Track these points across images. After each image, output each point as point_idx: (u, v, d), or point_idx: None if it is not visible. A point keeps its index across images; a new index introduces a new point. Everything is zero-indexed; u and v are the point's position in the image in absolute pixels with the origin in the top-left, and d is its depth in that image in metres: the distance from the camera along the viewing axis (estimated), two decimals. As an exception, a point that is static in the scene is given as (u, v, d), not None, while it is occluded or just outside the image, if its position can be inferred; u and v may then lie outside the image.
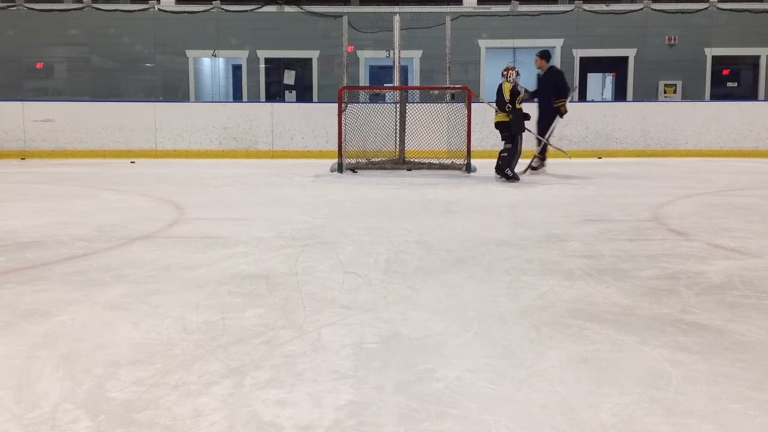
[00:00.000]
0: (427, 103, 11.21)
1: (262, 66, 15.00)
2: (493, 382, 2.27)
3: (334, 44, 12.86)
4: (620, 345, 2.65)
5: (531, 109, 9.26)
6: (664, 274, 3.78)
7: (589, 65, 15.11)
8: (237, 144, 12.95)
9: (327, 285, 3.54)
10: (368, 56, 14.80)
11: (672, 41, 14.62)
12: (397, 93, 10.73)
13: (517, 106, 8.64)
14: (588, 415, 2.02)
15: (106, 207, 6.56)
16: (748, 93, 15.14)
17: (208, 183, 8.59)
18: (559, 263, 4.04)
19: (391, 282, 3.61)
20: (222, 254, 4.30)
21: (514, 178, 8.57)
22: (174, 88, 14.75)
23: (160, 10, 14.47)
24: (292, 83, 14.97)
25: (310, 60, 14.92)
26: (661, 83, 14.68)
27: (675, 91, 14.62)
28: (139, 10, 14.51)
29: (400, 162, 10.42)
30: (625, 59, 14.87)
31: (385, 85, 14.62)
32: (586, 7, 14.45)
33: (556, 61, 14.79)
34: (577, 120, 12.90)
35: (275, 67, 15.10)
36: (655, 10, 14.43)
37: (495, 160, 8.93)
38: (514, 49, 14.65)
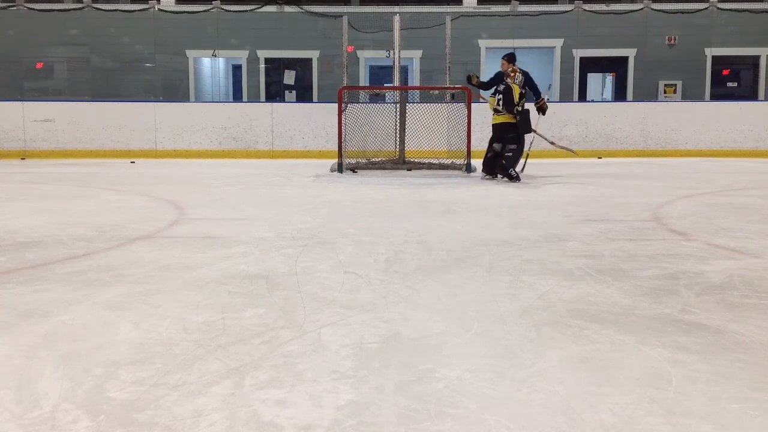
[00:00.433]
0: (427, 103, 11.21)
1: (262, 66, 15.00)
2: (493, 382, 2.27)
3: (334, 44, 12.86)
4: (620, 345, 2.65)
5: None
6: (664, 274, 3.77)
7: (589, 65, 15.10)
8: (237, 144, 12.95)
9: (327, 285, 3.54)
10: (368, 56, 14.80)
11: (672, 41, 14.62)
12: (397, 93, 10.73)
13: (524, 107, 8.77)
14: (588, 415, 2.02)
15: (106, 207, 6.56)
16: (748, 93, 15.13)
17: (208, 183, 8.59)
18: (559, 263, 4.04)
19: (391, 282, 3.61)
20: (222, 254, 4.30)
21: (516, 178, 8.61)
22: (174, 88, 14.75)
23: (160, 10, 14.47)
24: (292, 83, 14.96)
25: (310, 60, 14.92)
26: (661, 83, 14.68)
27: (675, 91, 14.62)
28: (139, 10, 14.51)
29: (400, 162, 10.42)
30: (625, 59, 14.87)
31: (385, 85, 14.62)
32: (586, 7, 14.44)
33: (556, 61, 14.83)
34: (577, 120, 12.91)
35: (275, 67, 15.10)
36: (655, 10, 14.43)
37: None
38: (514, 49, 14.63)
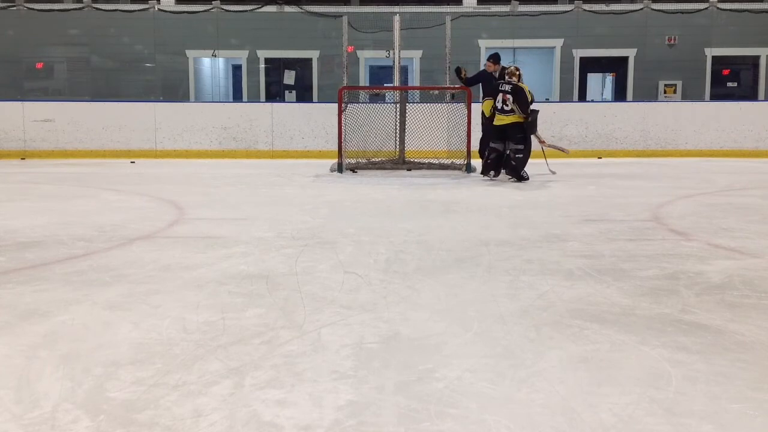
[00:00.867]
0: (427, 103, 11.21)
1: (262, 66, 14.99)
2: (493, 382, 2.27)
3: (334, 44, 12.85)
4: (620, 345, 2.65)
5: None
6: (664, 274, 3.78)
7: (589, 65, 15.10)
8: (237, 144, 12.94)
9: (327, 285, 3.54)
10: (368, 56, 14.80)
11: (672, 41, 14.62)
12: (397, 93, 10.73)
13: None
14: (588, 415, 2.02)
15: (106, 207, 6.56)
16: (748, 93, 15.13)
17: (208, 183, 8.59)
18: (559, 263, 4.04)
19: (391, 282, 3.61)
20: (222, 254, 4.30)
21: (527, 178, 8.61)
22: (174, 88, 14.74)
23: (160, 10, 14.46)
24: (292, 83, 14.96)
25: (310, 60, 14.92)
26: (661, 83, 14.67)
27: (675, 91, 14.62)
28: (139, 10, 14.51)
29: (400, 162, 10.42)
30: (625, 59, 14.87)
31: (385, 85, 14.61)
32: (586, 7, 14.44)
33: (556, 61, 14.83)
34: (577, 120, 12.90)
35: (275, 67, 15.09)
36: (655, 10, 14.43)
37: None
38: (514, 49, 14.65)
